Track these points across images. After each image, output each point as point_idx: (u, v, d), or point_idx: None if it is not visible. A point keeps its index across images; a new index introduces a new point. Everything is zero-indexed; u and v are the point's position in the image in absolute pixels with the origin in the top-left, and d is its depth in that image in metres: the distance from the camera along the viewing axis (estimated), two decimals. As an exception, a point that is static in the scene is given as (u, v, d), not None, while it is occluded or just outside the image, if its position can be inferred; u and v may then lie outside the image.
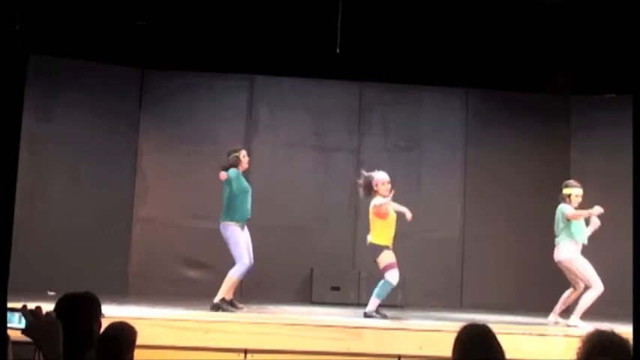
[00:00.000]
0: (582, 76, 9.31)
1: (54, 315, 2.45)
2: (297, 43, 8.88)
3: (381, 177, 7.01)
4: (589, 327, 6.89)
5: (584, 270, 7.10)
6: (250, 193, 7.07)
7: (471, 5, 8.36)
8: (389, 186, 6.93)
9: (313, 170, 9.63)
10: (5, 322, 2.79)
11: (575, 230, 7.16)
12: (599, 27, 8.35)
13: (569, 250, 7.14)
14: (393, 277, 6.84)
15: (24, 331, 2.43)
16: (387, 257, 6.88)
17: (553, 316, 7.25)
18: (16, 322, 2.47)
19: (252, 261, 6.99)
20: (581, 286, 7.16)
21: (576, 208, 7.18)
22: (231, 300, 6.99)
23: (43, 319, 2.42)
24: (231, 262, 7.02)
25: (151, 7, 8.49)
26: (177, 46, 9.05)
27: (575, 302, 7.22)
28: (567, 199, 7.19)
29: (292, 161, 9.59)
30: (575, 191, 7.22)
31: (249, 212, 7.05)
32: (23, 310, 2.45)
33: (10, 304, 2.56)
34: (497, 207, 9.51)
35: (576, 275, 7.14)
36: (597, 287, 7.06)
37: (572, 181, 7.37)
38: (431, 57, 9.14)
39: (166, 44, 9.03)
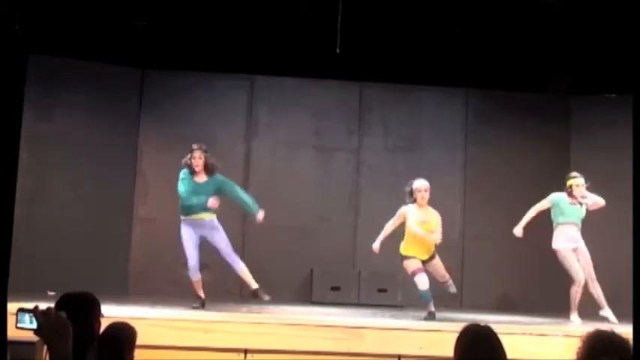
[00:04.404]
0: (582, 76, 9.31)
1: (64, 315, 2.47)
2: (297, 43, 8.87)
3: (414, 184, 7.10)
4: (579, 323, 7.05)
5: (566, 262, 7.26)
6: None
7: (470, 5, 8.36)
8: (419, 195, 6.99)
9: (313, 170, 9.63)
10: (5, 322, 2.80)
11: (561, 214, 7.32)
12: (599, 27, 8.34)
13: (556, 240, 7.31)
14: (418, 283, 6.90)
15: (36, 332, 2.46)
16: (407, 266, 6.96)
17: (574, 316, 7.26)
18: (27, 323, 2.50)
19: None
20: (580, 277, 7.21)
21: (575, 199, 7.31)
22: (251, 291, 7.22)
23: (54, 319, 2.44)
24: (226, 262, 7.30)
25: (151, 7, 8.49)
26: (177, 46, 9.05)
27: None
28: (569, 190, 7.32)
29: (292, 161, 9.59)
30: (575, 182, 7.34)
31: None
32: (35, 311, 2.47)
33: (21, 305, 2.58)
34: (497, 207, 9.50)
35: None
36: (576, 281, 7.19)
37: (573, 173, 7.48)
38: (431, 57, 9.13)
39: (166, 44, 9.02)
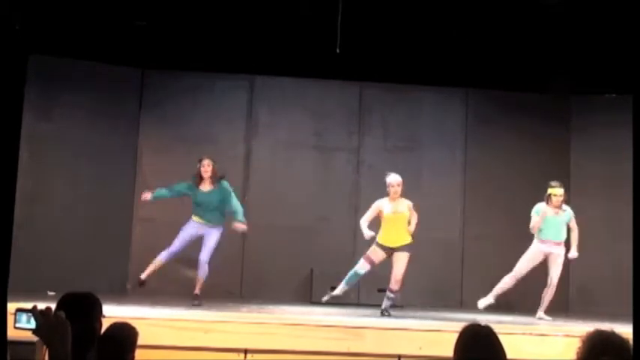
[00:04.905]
0: (582, 77, 9.30)
1: (63, 315, 2.46)
2: (297, 43, 8.87)
3: (387, 179, 7.51)
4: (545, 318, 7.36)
5: (522, 257, 7.72)
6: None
7: (470, 5, 8.36)
8: (392, 189, 7.42)
9: (313, 170, 9.62)
10: (5, 322, 2.80)
11: (543, 228, 7.59)
12: (599, 27, 8.34)
13: (535, 240, 7.69)
14: (357, 265, 7.51)
15: (35, 331, 2.46)
16: (370, 251, 7.49)
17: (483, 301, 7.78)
18: (24, 323, 2.49)
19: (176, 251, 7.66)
20: (550, 281, 7.62)
21: (556, 207, 7.52)
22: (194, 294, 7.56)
23: (53, 319, 2.44)
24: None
25: (151, 7, 8.49)
26: (178, 46, 9.04)
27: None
28: (547, 199, 7.55)
29: (292, 161, 9.59)
30: (554, 191, 7.55)
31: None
32: (34, 311, 2.46)
33: (19, 305, 2.58)
34: (496, 207, 9.51)
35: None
36: (512, 273, 7.73)
37: (554, 182, 7.65)
38: (431, 57, 9.13)
39: (166, 44, 9.02)
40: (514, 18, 8.48)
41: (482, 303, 7.67)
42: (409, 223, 7.41)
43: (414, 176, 9.61)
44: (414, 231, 7.44)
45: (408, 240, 7.42)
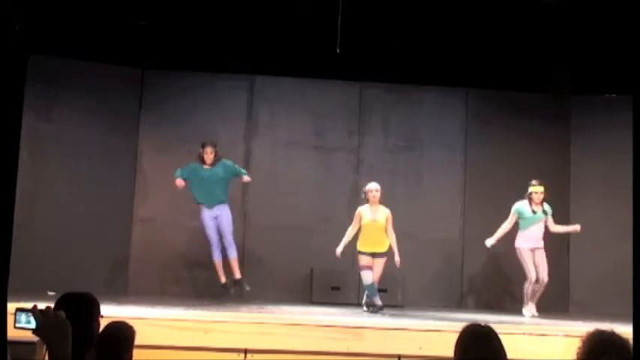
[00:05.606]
0: (583, 76, 9.30)
1: (63, 314, 2.46)
2: (297, 43, 8.86)
3: (366, 186, 7.87)
4: (529, 316, 7.54)
5: (521, 260, 7.93)
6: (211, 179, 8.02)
7: (470, 5, 8.35)
8: (370, 194, 7.73)
9: (313, 170, 9.62)
10: (5, 322, 2.80)
11: (521, 221, 7.96)
12: (599, 27, 8.34)
13: (518, 240, 7.98)
14: (362, 278, 7.69)
15: (35, 331, 2.46)
16: (358, 260, 7.72)
17: (526, 310, 7.89)
18: (24, 322, 2.49)
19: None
20: (541, 279, 7.85)
21: (536, 204, 7.94)
22: (234, 280, 8.07)
23: (53, 318, 2.44)
24: (225, 262, 8.03)
25: (151, 7, 8.49)
26: (178, 46, 9.04)
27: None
28: (528, 197, 7.96)
29: (292, 161, 9.58)
30: (534, 189, 7.98)
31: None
32: (34, 310, 2.46)
33: (19, 305, 2.58)
34: (497, 207, 9.48)
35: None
36: (527, 278, 7.91)
37: (534, 181, 8.03)
38: (431, 57, 9.13)
39: (166, 44, 9.02)
40: (514, 18, 8.47)
41: (527, 313, 7.86)
42: (386, 232, 7.67)
43: (414, 176, 9.62)
44: (399, 241, 7.74)
45: (385, 247, 7.67)
